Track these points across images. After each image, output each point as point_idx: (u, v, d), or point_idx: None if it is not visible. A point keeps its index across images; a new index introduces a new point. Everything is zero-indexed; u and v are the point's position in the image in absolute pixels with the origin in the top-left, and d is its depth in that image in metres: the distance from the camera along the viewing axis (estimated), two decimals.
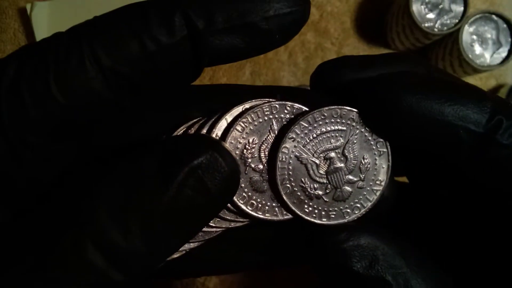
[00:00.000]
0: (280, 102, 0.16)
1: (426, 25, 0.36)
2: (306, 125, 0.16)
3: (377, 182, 0.17)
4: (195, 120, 0.17)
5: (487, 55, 0.37)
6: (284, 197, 0.16)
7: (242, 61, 0.41)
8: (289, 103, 0.17)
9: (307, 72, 0.41)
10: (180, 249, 0.16)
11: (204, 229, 0.17)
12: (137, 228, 0.13)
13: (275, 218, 0.17)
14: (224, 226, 0.17)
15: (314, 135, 0.16)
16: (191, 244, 0.17)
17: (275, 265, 0.19)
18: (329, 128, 0.16)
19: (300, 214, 0.17)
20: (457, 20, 0.36)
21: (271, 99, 0.17)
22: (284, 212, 0.17)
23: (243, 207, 0.17)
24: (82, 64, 0.14)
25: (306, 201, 0.17)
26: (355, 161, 0.17)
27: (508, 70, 0.41)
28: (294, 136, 0.16)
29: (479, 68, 0.36)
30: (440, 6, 0.36)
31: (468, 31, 0.36)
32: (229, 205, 0.16)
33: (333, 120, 0.16)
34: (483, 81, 0.41)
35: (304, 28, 0.41)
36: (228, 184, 0.14)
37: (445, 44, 0.38)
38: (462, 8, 0.36)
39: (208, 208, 0.14)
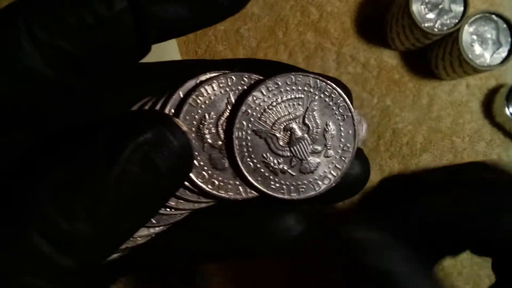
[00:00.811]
0: (237, 73, 0.15)
1: (426, 25, 0.36)
2: (260, 96, 0.15)
3: (344, 148, 0.16)
4: (148, 98, 0.16)
5: (487, 55, 0.37)
6: (247, 176, 0.15)
7: None
8: (246, 74, 0.15)
9: None
10: (144, 234, 0.16)
11: (167, 211, 0.16)
12: (81, 210, 0.12)
13: (238, 197, 0.16)
14: (187, 208, 0.16)
15: (270, 106, 0.15)
16: (156, 228, 0.16)
17: (251, 251, 0.18)
18: (285, 97, 0.15)
19: (267, 191, 0.16)
20: (457, 20, 0.36)
21: (227, 71, 0.16)
22: (249, 190, 0.16)
23: (203, 186, 0.15)
24: (17, 40, 0.13)
25: (271, 177, 0.16)
26: (318, 129, 0.16)
27: (508, 70, 0.41)
28: (248, 110, 0.15)
29: (479, 68, 0.36)
30: (440, 6, 0.36)
31: (468, 31, 0.36)
32: (189, 185, 0.15)
33: (288, 88, 0.15)
34: (483, 81, 0.41)
35: (304, 28, 0.41)
36: (180, 160, 0.13)
37: (445, 44, 0.38)
38: (462, 8, 0.36)
39: (160, 187, 0.13)
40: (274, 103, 0.15)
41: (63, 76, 0.13)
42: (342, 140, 0.16)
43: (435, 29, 0.36)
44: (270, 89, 0.15)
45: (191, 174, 0.15)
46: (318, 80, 0.16)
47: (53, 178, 0.13)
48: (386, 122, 0.41)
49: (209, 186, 0.15)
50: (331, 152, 0.16)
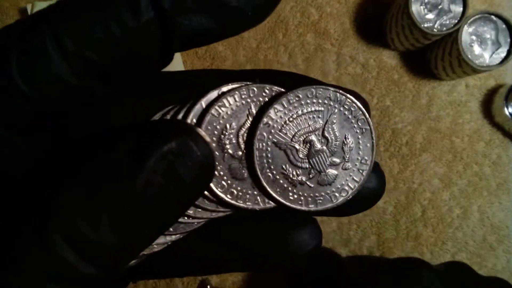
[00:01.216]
0: (258, 84, 0.16)
1: (426, 25, 0.36)
2: (281, 109, 0.16)
3: (362, 161, 0.16)
4: (170, 107, 0.16)
5: (486, 55, 0.37)
6: (266, 186, 0.16)
7: (242, 62, 0.41)
8: (267, 86, 0.16)
9: (307, 73, 0.41)
10: (161, 242, 0.16)
11: (184, 220, 0.16)
12: (106, 217, 0.12)
13: (256, 207, 0.16)
14: (205, 216, 0.16)
15: (290, 119, 0.16)
16: (172, 236, 0.16)
17: (264, 263, 0.18)
18: (305, 110, 0.16)
19: (285, 202, 0.16)
20: (456, 21, 0.36)
21: (249, 83, 0.16)
22: (267, 201, 0.16)
23: (222, 195, 0.16)
24: (45, 50, 0.13)
25: (289, 188, 0.16)
26: (337, 142, 0.16)
27: (507, 70, 0.41)
28: (269, 122, 0.15)
29: (478, 68, 0.36)
30: (440, 7, 0.36)
31: (467, 31, 0.37)
32: (208, 194, 0.16)
33: (308, 101, 0.16)
34: (482, 81, 0.42)
35: (304, 29, 0.41)
36: (202, 170, 0.14)
37: (445, 44, 0.38)
38: (461, 9, 0.36)
39: (182, 196, 0.14)
40: (295, 116, 0.16)
41: (87, 85, 0.13)
42: (360, 153, 0.16)
43: (435, 30, 0.36)
44: (291, 101, 0.15)
45: (211, 184, 0.15)
46: (338, 94, 0.16)
47: (77, 185, 0.13)
48: (385, 122, 0.41)
49: (228, 196, 0.16)
50: (349, 164, 0.16)
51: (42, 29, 0.13)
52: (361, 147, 0.16)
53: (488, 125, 0.41)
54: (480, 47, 0.37)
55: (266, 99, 0.16)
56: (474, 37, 0.37)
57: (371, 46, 0.41)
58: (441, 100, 0.41)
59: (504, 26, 0.37)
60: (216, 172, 0.15)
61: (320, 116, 0.16)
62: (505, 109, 0.39)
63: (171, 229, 0.16)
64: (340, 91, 0.16)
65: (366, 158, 0.16)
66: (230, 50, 0.41)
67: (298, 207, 0.16)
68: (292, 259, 0.17)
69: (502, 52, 0.37)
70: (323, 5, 0.41)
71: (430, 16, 0.36)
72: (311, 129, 0.16)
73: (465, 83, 0.42)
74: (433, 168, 0.41)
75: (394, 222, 0.41)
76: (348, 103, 0.16)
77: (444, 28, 0.36)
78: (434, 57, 0.40)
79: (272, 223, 0.17)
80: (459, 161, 0.41)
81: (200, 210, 0.16)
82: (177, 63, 0.40)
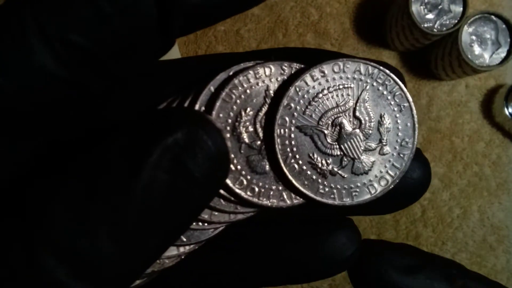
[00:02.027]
0: (275, 62, 0.13)
1: (425, 25, 0.36)
2: (304, 87, 0.13)
3: (402, 144, 0.14)
4: (173, 97, 0.14)
5: (486, 56, 0.37)
6: (292, 179, 0.13)
7: None
8: (285, 62, 0.13)
9: None
10: (173, 255, 0.14)
11: (198, 226, 0.14)
12: (103, 227, 0.10)
13: (282, 204, 0.14)
14: (222, 220, 0.14)
15: (315, 98, 0.13)
16: (186, 247, 0.14)
17: (302, 277, 0.15)
18: (332, 87, 0.13)
19: (315, 197, 0.14)
20: (456, 21, 0.36)
21: (263, 61, 0.14)
22: (294, 196, 0.14)
23: (242, 193, 0.13)
24: (24, 36, 0.11)
25: (319, 180, 0.14)
26: (372, 123, 0.14)
27: (507, 70, 0.41)
28: (290, 103, 0.13)
29: (478, 68, 0.36)
30: (440, 7, 0.36)
31: (467, 31, 0.37)
32: (224, 193, 0.13)
33: (335, 77, 0.13)
34: (482, 81, 0.42)
35: (304, 29, 0.41)
36: (215, 164, 0.11)
37: (445, 44, 0.38)
38: (461, 9, 0.36)
39: (193, 196, 0.11)
40: (320, 95, 0.13)
41: (77, 76, 0.11)
42: (399, 134, 0.14)
43: (435, 30, 0.36)
44: (315, 78, 0.13)
45: (227, 180, 0.13)
46: (369, 66, 0.14)
47: (69, 191, 0.11)
48: None
49: (248, 193, 0.13)
50: (387, 148, 0.14)
51: (19, 12, 0.11)
52: (400, 127, 0.14)
53: (488, 125, 0.41)
54: (480, 47, 0.37)
55: (285, 77, 0.13)
56: (474, 37, 0.37)
57: (371, 46, 0.41)
58: (441, 100, 0.41)
59: (504, 26, 0.37)
60: (232, 166, 0.13)
61: (350, 93, 0.14)
62: (505, 109, 0.39)
63: (183, 239, 0.14)
64: (372, 63, 0.14)
65: (407, 139, 0.14)
66: (230, 50, 0.41)
67: (331, 201, 0.14)
68: (330, 266, 0.15)
69: (502, 52, 0.37)
70: (323, 5, 0.41)
71: (430, 16, 0.36)
72: (340, 109, 0.14)
73: (465, 83, 0.42)
74: (433, 168, 0.41)
75: (394, 222, 0.41)
76: (382, 77, 0.14)
77: (444, 28, 0.36)
78: (434, 57, 0.40)
79: (302, 226, 0.15)
80: (459, 161, 0.41)
81: (216, 213, 0.14)
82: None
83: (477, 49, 0.37)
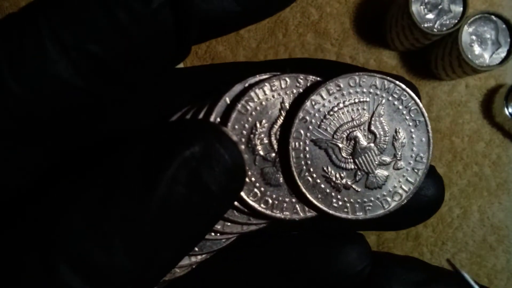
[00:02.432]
0: (291, 74, 0.13)
1: (425, 25, 0.36)
2: (319, 101, 0.13)
3: (417, 159, 0.14)
4: (188, 107, 0.14)
5: (486, 55, 0.37)
6: (306, 192, 0.13)
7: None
8: (301, 75, 0.13)
9: None
10: (185, 264, 0.14)
11: (211, 236, 0.14)
12: (118, 240, 0.10)
13: (296, 216, 0.14)
14: (235, 231, 0.14)
15: (331, 112, 0.13)
16: (198, 257, 0.14)
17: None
18: (347, 101, 0.13)
19: (329, 210, 0.14)
20: (456, 21, 0.36)
21: (278, 73, 0.14)
22: (307, 209, 0.14)
23: (256, 205, 0.13)
24: (40, 45, 0.11)
25: (333, 194, 0.14)
26: (386, 137, 0.14)
27: (507, 70, 0.41)
28: (306, 116, 0.13)
29: (478, 68, 0.36)
30: (440, 7, 0.36)
31: (467, 31, 0.37)
32: (239, 204, 0.14)
33: (351, 91, 0.13)
34: (482, 81, 0.42)
35: (304, 29, 0.41)
36: (231, 177, 0.11)
37: (445, 44, 0.38)
38: (461, 9, 0.36)
39: (208, 209, 0.11)
40: (336, 108, 0.14)
41: (91, 85, 0.11)
42: (414, 149, 0.14)
43: (435, 30, 0.36)
44: (331, 92, 0.13)
45: (241, 192, 0.13)
46: (385, 81, 0.14)
47: (85, 202, 0.11)
48: None
49: (262, 205, 0.13)
50: (401, 163, 0.14)
51: (36, 21, 0.11)
52: (414, 142, 0.14)
53: (488, 125, 0.41)
54: (480, 47, 0.37)
55: (301, 90, 0.14)
56: (474, 37, 0.37)
57: (371, 46, 0.41)
58: (441, 100, 0.41)
59: (504, 26, 0.37)
60: (247, 179, 0.13)
61: (365, 107, 0.14)
62: (505, 109, 0.39)
63: (196, 248, 0.14)
64: (388, 78, 0.14)
65: (421, 155, 0.14)
66: (230, 50, 0.41)
67: (344, 215, 0.14)
68: (340, 280, 0.15)
69: (502, 52, 0.37)
70: (323, 5, 0.41)
71: (430, 16, 0.36)
72: (355, 124, 0.14)
73: (465, 83, 0.42)
74: None
75: None
76: (398, 92, 0.14)
77: (444, 28, 0.36)
78: (434, 57, 0.40)
79: (314, 239, 0.15)
80: (459, 161, 0.41)
81: (229, 224, 0.14)
82: None
83: (477, 49, 0.37)
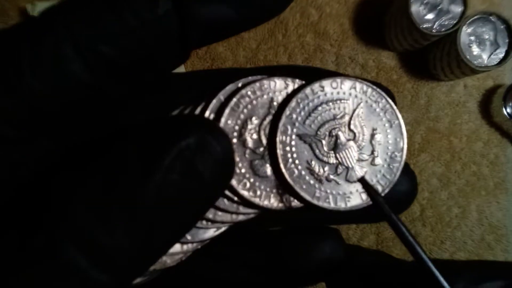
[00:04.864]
0: (280, 77, 0.15)
1: (425, 26, 0.36)
2: (305, 99, 0.15)
3: (392, 156, 0.15)
4: (185, 106, 0.15)
5: (485, 56, 0.37)
6: (291, 182, 0.14)
7: (242, 63, 0.41)
8: (289, 78, 0.15)
9: None
10: (176, 252, 0.15)
11: (203, 225, 0.15)
12: (120, 221, 0.11)
13: (282, 206, 0.15)
14: (225, 220, 0.15)
15: (315, 110, 0.15)
16: (189, 245, 0.15)
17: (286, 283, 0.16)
18: (330, 102, 0.15)
19: (311, 200, 0.15)
20: (455, 21, 0.36)
21: (268, 76, 0.15)
22: (292, 200, 0.15)
23: (245, 194, 0.15)
24: (58, 45, 0.12)
25: (316, 185, 0.15)
26: (365, 136, 0.15)
27: (506, 71, 0.42)
28: (292, 113, 0.15)
29: (477, 69, 0.36)
30: (439, 7, 0.36)
31: (466, 32, 0.37)
32: (230, 193, 0.15)
33: (333, 92, 0.15)
34: (481, 82, 0.42)
35: (304, 30, 0.41)
36: (222, 167, 0.13)
37: (443, 45, 0.38)
38: (460, 9, 0.36)
39: (201, 195, 0.12)
40: (319, 107, 0.15)
41: (101, 83, 0.13)
42: (390, 148, 0.15)
43: (433, 30, 0.36)
44: (315, 92, 0.15)
45: (232, 182, 0.15)
46: (364, 85, 0.15)
47: (89, 188, 0.12)
48: None
49: (251, 194, 0.15)
50: (378, 160, 0.15)
51: (55, 24, 0.12)
52: (390, 141, 0.15)
53: (486, 125, 0.42)
54: (479, 47, 0.37)
55: (288, 91, 0.15)
56: (472, 38, 0.37)
57: (370, 46, 0.42)
58: (439, 101, 0.42)
59: (502, 27, 0.37)
60: (237, 169, 0.15)
61: (345, 107, 0.15)
62: (503, 109, 0.39)
63: (188, 237, 0.15)
64: (366, 82, 0.15)
65: (396, 153, 0.15)
66: (230, 51, 0.41)
67: (326, 205, 0.15)
68: (313, 274, 0.16)
69: (501, 53, 0.37)
70: (323, 6, 0.41)
71: (429, 16, 0.36)
72: (336, 122, 0.15)
73: (464, 84, 0.42)
74: (432, 168, 0.41)
75: None
76: (375, 95, 0.15)
77: (443, 29, 0.36)
78: (433, 57, 0.40)
79: (288, 234, 0.16)
80: (457, 161, 0.42)
81: (220, 213, 0.15)
82: None
83: (475, 50, 0.37)
